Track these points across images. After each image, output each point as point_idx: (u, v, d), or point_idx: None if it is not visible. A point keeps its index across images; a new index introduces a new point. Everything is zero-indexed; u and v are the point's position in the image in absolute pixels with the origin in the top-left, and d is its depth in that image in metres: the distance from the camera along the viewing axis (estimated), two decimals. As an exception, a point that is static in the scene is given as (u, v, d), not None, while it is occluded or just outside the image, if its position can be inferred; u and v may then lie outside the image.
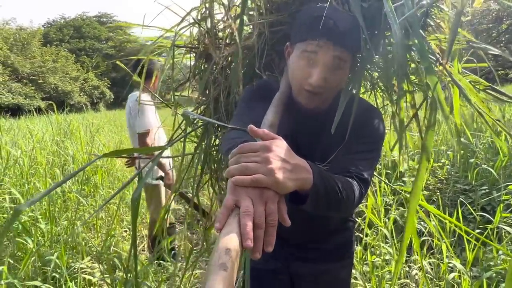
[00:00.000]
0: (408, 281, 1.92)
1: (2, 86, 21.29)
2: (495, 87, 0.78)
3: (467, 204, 2.37)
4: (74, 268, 1.99)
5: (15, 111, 15.30)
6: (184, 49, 1.19)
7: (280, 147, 0.54)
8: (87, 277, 1.96)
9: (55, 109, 4.91)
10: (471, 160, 2.93)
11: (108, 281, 1.87)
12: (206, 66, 1.10)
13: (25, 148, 3.65)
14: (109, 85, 31.73)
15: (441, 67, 0.75)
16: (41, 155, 3.60)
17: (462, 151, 3.02)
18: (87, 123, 6.75)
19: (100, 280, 2.02)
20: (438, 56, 0.76)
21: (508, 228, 1.73)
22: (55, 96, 24.67)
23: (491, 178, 2.73)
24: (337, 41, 0.74)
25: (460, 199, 2.53)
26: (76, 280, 1.90)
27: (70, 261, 2.10)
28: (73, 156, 3.73)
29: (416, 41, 0.67)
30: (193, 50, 1.17)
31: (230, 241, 0.44)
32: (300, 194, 0.60)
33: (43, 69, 25.66)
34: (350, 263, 1.08)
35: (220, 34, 1.13)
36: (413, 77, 1.00)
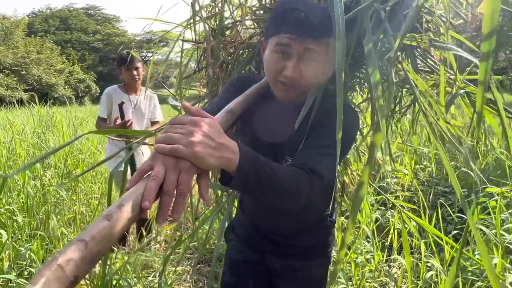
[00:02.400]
0: (387, 279, 1.95)
1: (-18, 76, 20.60)
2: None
3: (447, 206, 2.43)
4: (51, 263, 1.93)
5: (-4, 102, 14.82)
6: (190, 44, 1.20)
7: (208, 124, 0.55)
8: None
9: (37, 100, 4.78)
10: (452, 163, 3.00)
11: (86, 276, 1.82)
12: (212, 61, 1.10)
13: (3, 139, 3.53)
14: (95, 79, 31.09)
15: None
16: (21, 147, 3.49)
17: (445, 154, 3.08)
18: (70, 116, 6.60)
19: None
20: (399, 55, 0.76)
21: (484, 229, 1.78)
22: (39, 88, 24.01)
23: (470, 181, 2.80)
24: (310, 33, 0.74)
25: (440, 200, 2.59)
26: (53, 275, 1.85)
27: (48, 256, 2.04)
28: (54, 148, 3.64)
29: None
30: (199, 45, 1.18)
31: (128, 199, 0.45)
32: (229, 175, 0.61)
33: (26, 60, 24.93)
34: (326, 262, 1.08)
35: (227, 32, 1.14)
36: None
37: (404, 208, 1.44)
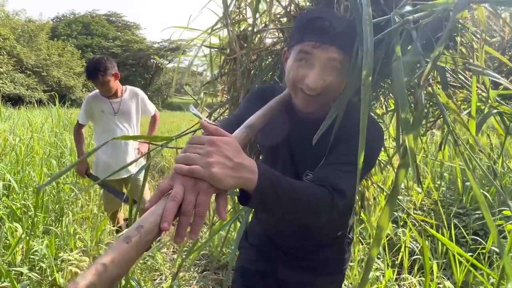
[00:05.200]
0: (397, 298, 1.91)
1: (6, 75, 21.27)
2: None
3: (461, 227, 2.37)
4: (62, 260, 1.96)
5: (16, 101, 15.24)
6: (214, 50, 1.23)
7: (226, 144, 0.55)
8: (74, 269, 1.93)
9: (56, 101, 4.92)
10: (467, 184, 2.94)
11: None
12: (234, 67, 1.12)
13: (22, 137, 3.63)
14: (112, 83, 31.61)
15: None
16: (39, 145, 3.58)
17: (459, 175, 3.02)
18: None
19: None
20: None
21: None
22: (57, 90, 24.61)
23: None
24: (334, 41, 0.73)
25: (454, 221, 2.54)
26: (63, 272, 1.87)
27: (59, 252, 2.07)
28: (71, 148, 3.72)
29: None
30: (223, 51, 1.20)
31: (146, 220, 0.45)
32: (249, 194, 0.59)
33: (47, 62, 25.71)
34: (340, 279, 1.07)
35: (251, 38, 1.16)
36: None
37: (423, 223, 1.41)
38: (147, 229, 0.44)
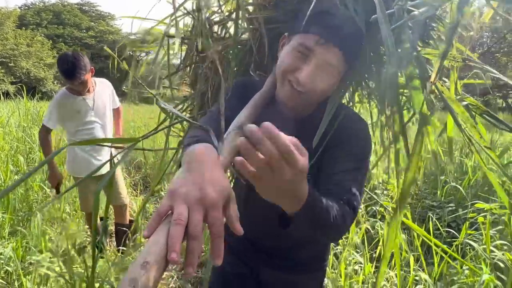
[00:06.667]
0: (375, 292, 1.94)
1: (-32, 66, 20.04)
2: (493, 113, 0.76)
3: (435, 220, 2.44)
4: (31, 263, 1.85)
5: (-20, 93, 14.38)
6: (176, 40, 1.14)
7: (302, 165, 0.51)
8: (44, 271, 1.83)
9: (24, 93, 4.66)
10: (441, 178, 3.03)
11: (67, 277, 1.75)
12: (197, 58, 1.06)
13: (-14, 132, 3.42)
14: (86, 76, 30.45)
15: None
16: (4, 141, 3.38)
17: (433, 168, 3.12)
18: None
19: (58, 276, 1.89)
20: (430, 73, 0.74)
21: (474, 244, 1.79)
22: (27, 82, 23.42)
23: (458, 196, 2.84)
24: (338, 42, 0.70)
25: (429, 214, 2.61)
26: (31, 276, 1.77)
27: (27, 255, 1.96)
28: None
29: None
30: (185, 41, 1.12)
31: (151, 252, 0.38)
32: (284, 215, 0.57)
33: (15, 52, 24.38)
34: (321, 275, 1.06)
35: (215, 27, 1.10)
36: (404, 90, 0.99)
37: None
38: (153, 265, 0.37)
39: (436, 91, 0.70)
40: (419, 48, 0.79)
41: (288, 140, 0.43)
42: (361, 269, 2.03)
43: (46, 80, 26.09)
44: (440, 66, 0.61)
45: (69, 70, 2.07)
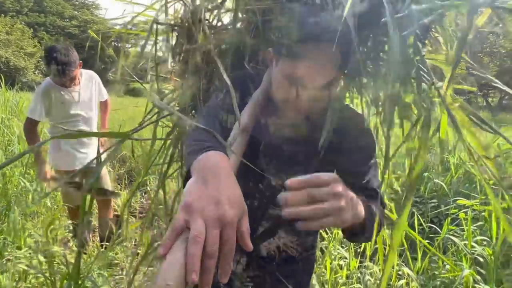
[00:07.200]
0: (360, 286, 1.97)
1: None
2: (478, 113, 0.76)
3: (418, 215, 2.49)
4: (8, 259, 1.79)
5: (-44, 82, 13.78)
6: (165, 26, 1.08)
7: (351, 200, 0.57)
8: (23, 268, 1.77)
9: (2, 83, 4.48)
10: (425, 174, 3.09)
11: (47, 274, 1.70)
12: (187, 47, 1.01)
13: (-38, 123, 3.28)
14: (68, 66, 29.63)
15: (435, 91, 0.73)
16: (-19, 132, 3.25)
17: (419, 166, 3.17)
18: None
19: (37, 273, 1.84)
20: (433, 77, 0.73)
21: (456, 239, 1.83)
22: (6, 71, 22.50)
23: (440, 192, 2.90)
24: (329, 62, 0.65)
25: (412, 210, 2.66)
26: (9, 273, 1.71)
27: (5, 251, 1.89)
28: (19, 136, 3.41)
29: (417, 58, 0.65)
30: (175, 28, 1.07)
31: (172, 274, 0.38)
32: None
33: (-7, 40, 23.50)
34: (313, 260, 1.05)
35: (207, 14, 1.05)
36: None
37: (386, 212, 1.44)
38: (176, 287, 0.37)
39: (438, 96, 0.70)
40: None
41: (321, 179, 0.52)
42: (346, 264, 2.05)
43: (26, 69, 25.17)
44: (452, 75, 0.61)
45: (59, 70, 2.01)
